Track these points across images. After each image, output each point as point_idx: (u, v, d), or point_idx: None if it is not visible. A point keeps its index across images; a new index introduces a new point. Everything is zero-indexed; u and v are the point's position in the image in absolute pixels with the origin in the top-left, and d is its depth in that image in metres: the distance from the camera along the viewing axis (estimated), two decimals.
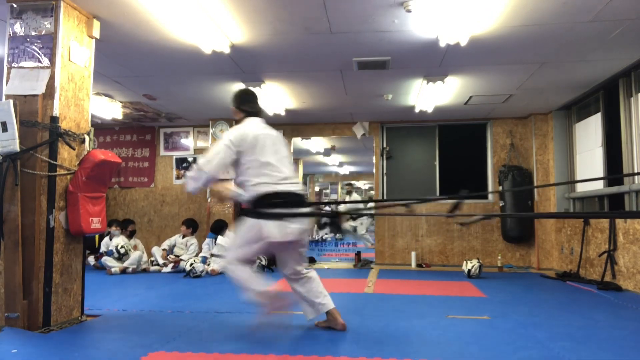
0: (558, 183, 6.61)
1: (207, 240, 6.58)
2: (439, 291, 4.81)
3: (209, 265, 6.02)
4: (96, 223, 3.35)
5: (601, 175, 5.64)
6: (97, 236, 6.90)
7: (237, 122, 3.22)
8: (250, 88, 3.35)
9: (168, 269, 6.26)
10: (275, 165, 2.98)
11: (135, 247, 6.64)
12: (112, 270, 6.09)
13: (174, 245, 6.70)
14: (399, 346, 2.75)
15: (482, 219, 2.37)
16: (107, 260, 6.26)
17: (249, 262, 3.02)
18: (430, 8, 3.49)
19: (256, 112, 3.24)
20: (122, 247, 6.27)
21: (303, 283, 3.11)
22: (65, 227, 3.27)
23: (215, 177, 2.95)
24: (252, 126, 3.09)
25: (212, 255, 6.43)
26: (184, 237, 6.73)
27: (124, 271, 6.16)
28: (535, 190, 6.88)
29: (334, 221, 2.88)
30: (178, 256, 6.51)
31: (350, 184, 12.16)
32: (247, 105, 3.22)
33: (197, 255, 6.51)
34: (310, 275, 3.14)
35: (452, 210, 2.45)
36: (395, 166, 7.54)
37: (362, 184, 22.08)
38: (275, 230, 2.84)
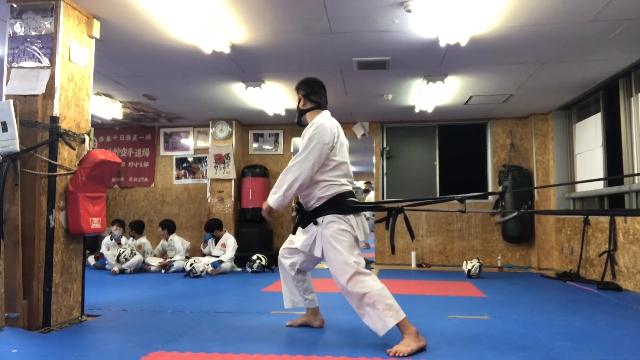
0: (557, 184, 6.59)
1: (208, 241, 6.58)
2: (439, 291, 4.81)
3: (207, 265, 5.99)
4: (96, 223, 3.35)
5: (601, 175, 5.64)
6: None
7: (303, 112, 3.02)
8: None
9: (163, 271, 6.30)
10: (349, 167, 2.92)
11: (139, 247, 6.64)
12: (116, 270, 6.13)
13: (165, 251, 6.73)
14: None
15: (516, 214, 2.37)
16: (109, 263, 6.36)
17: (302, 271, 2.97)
18: (430, 8, 3.49)
19: (325, 104, 3.06)
20: (124, 256, 6.28)
21: (303, 278, 3.14)
22: (65, 227, 3.27)
23: (307, 181, 2.74)
24: (332, 122, 2.91)
25: (211, 255, 6.43)
26: (167, 239, 6.73)
27: (122, 271, 6.19)
28: (536, 190, 6.88)
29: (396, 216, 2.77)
30: (171, 258, 6.53)
31: (368, 182, 12.14)
32: (318, 96, 3.02)
33: (187, 251, 6.72)
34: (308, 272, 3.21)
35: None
36: (395, 166, 7.54)
37: (362, 184, 22.05)
38: (361, 228, 2.80)
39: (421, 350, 2.61)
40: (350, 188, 2.88)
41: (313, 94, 3.03)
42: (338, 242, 2.75)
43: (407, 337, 2.61)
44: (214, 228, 6.55)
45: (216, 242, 6.49)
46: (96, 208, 3.38)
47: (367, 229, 2.91)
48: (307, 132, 2.87)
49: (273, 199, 2.82)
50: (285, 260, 3.11)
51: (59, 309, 3.22)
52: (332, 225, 2.77)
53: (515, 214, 2.33)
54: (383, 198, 7.41)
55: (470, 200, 7.13)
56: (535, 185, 6.90)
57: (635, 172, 4.93)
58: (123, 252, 6.27)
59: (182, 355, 2.58)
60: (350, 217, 2.80)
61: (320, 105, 3.03)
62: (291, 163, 2.81)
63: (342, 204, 2.81)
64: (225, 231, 6.65)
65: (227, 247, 6.38)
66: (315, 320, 3.18)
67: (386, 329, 2.61)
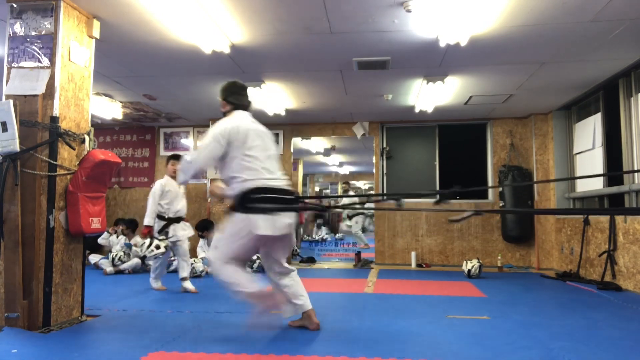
0: (556, 179, 6.58)
1: (200, 242, 6.54)
2: (439, 291, 4.81)
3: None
4: (96, 223, 3.34)
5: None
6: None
7: (225, 114, 3.16)
8: (240, 81, 3.25)
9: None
10: (263, 162, 2.96)
11: (136, 246, 6.63)
12: (107, 270, 6.13)
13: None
14: (399, 346, 2.75)
15: (472, 215, 2.36)
16: (103, 264, 6.33)
17: (240, 261, 2.96)
18: (430, 8, 3.49)
19: (245, 105, 3.18)
20: (119, 258, 6.26)
21: (286, 283, 3.12)
22: (65, 227, 3.27)
23: (204, 169, 2.92)
24: (241, 119, 3.05)
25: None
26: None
27: (121, 272, 6.19)
28: (535, 190, 6.89)
29: (323, 215, 2.85)
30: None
31: (347, 183, 12.22)
32: (235, 97, 3.15)
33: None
34: (292, 276, 3.16)
35: (438, 203, 2.45)
36: (395, 166, 7.54)
37: (362, 184, 22.07)
38: (265, 224, 2.83)
39: None
40: (262, 183, 2.91)
41: (230, 95, 3.15)
42: (229, 225, 2.94)
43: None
44: (203, 229, 6.51)
45: (209, 243, 6.43)
46: (96, 208, 3.37)
47: (283, 223, 2.91)
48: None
49: (179, 178, 3.08)
50: (267, 272, 3.19)
51: (59, 309, 3.22)
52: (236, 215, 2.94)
53: (471, 213, 2.32)
54: (383, 198, 7.40)
55: (470, 200, 7.14)
56: (535, 187, 6.90)
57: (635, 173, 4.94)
58: (116, 254, 6.27)
59: (182, 355, 2.58)
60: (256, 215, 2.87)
61: (237, 107, 3.14)
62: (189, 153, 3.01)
63: (246, 201, 2.89)
64: (214, 231, 6.56)
65: None
66: (310, 324, 3.15)
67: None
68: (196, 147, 7.80)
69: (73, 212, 3.25)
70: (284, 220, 2.91)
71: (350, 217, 9.99)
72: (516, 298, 4.44)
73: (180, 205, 4.93)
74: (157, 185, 4.84)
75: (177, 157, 4.81)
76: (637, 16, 3.65)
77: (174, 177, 4.83)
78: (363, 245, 9.69)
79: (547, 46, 4.26)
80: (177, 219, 4.90)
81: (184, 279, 4.81)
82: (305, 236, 10.22)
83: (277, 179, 3.00)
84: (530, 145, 7.08)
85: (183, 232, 4.93)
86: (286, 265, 3.14)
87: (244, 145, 2.93)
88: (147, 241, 4.72)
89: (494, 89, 5.66)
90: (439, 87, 5.30)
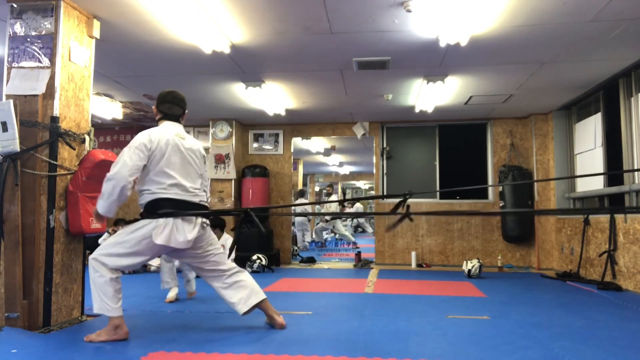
0: (556, 178, 6.58)
1: None
2: (439, 291, 4.81)
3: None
4: (96, 223, 3.34)
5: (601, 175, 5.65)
6: None
7: (157, 122, 3.14)
8: (178, 91, 3.18)
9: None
10: (176, 178, 2.94)
11: None
12: None
13: None
14: (399, 346, 2.75)
15: (403, 218, 2.34)
16: None
17: (119, 270, 2.91)
18: (430, 8, 3.49)
19: (174, 115, 3.11)
20: None
21: (227, 285, 3.18)
22: (65, 227, 3.27)
23: (131, 182, 2.77)
24: (166, 131, 3.00)
25: None
26: None
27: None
28: (536, 190, 6.89)
29: (249, 220, 2.79)
30: None
31: (330, 185, 12.48)
32: (166, 106, 3.10)
33: None
34: (231, 281, 3.18)
35: (395, 209, 2.42)
36: (395, 166, 7.54)
37: (362, 184, 22.08)
38: (164, 232, 2.84)
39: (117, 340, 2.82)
40: (166, 196, 2.91)
41: (161, 104, 3.11)
42: (126, 232, 2.91)
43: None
44: (215, 226, 6.50)
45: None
46: None
47: (186, 236, 2.90)
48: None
49: (100, 206, 2.85)
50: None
51: (59, 309, 3.22)
52: (139, 222, 2.94)
53: (400, 217, 2.32)
54: (383, 199, 7.40)
55: (470, 200, 7.14)
56: (536, 187, 6.90)
57: (636, 173, 4.94)
58: None
59: (182, 355, 2.58)
60: (160, 221, 2.86)
61: (165, 116, 3.10)
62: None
63: (153, 210, 2.90)
64: (224, 233, 6.55)
65: (227, 248, 6.33)
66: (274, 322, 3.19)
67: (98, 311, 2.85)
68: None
69: (73, 212, 3.26)
70: (183, 236, 2.89)
71: (327, 221, 10.44)
72: (516, 298, 4.44)
73: None
74: None
75: None
76: (637, 16, 3.65)
77: None
78: (351, 242, 10.10)
79: (547, 46, 4.26)
80: None
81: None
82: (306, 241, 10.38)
83: (191, 195, 2.99)
84: (531, 145, 7.08)
85: None
86: (222, 268, 3.18)
87: (161, 159, 2.91)
88: None
89: (494, 89, 5.66)
90: (439, 87, 5.30)
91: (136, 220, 2.97)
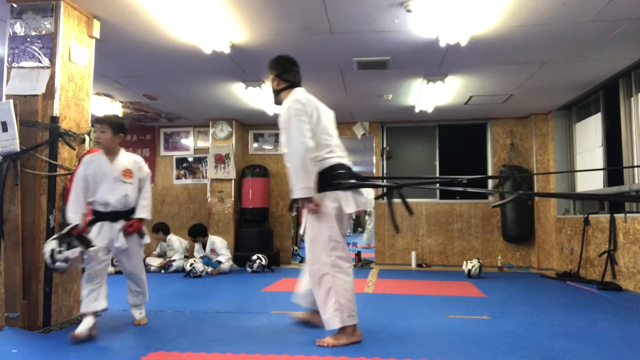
0: (557, 172, 6.55)
1: (196, 246, 6.50)
2: (439, 291, 4.81)
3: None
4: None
5: (601, 175, 5.65)
6: None
7: (278, 92, 3.00)
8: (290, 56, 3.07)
9: (163, 271, 6.31)
10: (335, 139, 2.90)
11: None
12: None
13: (165, 252, 6.72)
14: (399, 346, 2.75)
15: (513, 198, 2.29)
16: None
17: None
18: (430, 8, 3.49)
19: (298, 82, 3.03)
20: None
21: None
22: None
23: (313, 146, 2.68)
24: (308, 96, 2.91)
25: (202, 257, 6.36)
26: (165, 240, 6.70)
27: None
28: (536, 189, 6.88)
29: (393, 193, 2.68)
30: (170, 258, 6.52)
31: None
32: (291, 74, 3.00)
33: (186, 250, 6.71)
34: None
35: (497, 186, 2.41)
36: (395, 166, 7.54)
37: None
38: (349, 199, 2.76)
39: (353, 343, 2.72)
40: (338, 160, 2.84)
41: (285, 72, 3.00)
42: (312, 226, 2.77)
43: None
44: (197, 234, 6.34)
45: (204, 247, 6.40)
46: None
47: (360, 202, 2.84)
48: (282, 111, 2.83)
49: (302, 192, 2.67)
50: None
51: (59, 309, 3.22)
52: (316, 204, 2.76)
53: (370, 228, 2.34)
54: (383, 198, 7.40)
55: (470, 200, 7.14)
56: (536, 187, 6.91)
57: (636, 173, 4.94)
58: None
59: (182, 355, 2.58)
60: (339, 192, 2.77)
61: (293, 84, 3.00)
62: (286, 150, 2.76)
63: (329, 178, 2.75)
64: (208, 235, 6.45)
65: (218, 249, 6.31)
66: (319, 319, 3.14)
67: (338, 326, 2.73)
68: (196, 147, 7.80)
69: None
70: (363, 196, 2.86)
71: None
72: (516, 298, 4.44)
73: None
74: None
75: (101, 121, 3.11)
76: (637, 16, 3.65)
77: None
78: (368, 243, 9.94)
79: (547, 46, 4.26)
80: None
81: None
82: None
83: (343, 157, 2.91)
84: (531, 145, 7.08)
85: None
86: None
87: (319, 123, 2.83)
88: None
89: (494, 89, 5.66)
90: (439, 87, 5.30)
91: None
